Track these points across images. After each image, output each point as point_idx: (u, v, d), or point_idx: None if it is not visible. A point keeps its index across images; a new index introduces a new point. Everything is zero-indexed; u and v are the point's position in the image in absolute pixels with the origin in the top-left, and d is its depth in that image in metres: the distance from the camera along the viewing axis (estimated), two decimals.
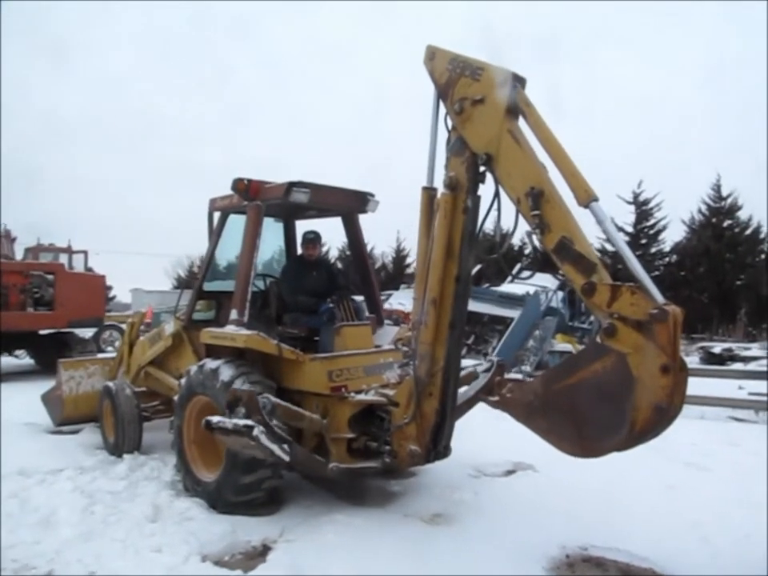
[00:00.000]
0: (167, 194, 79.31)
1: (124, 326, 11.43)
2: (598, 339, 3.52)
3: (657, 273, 29.39)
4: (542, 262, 4.26)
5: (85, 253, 18.70)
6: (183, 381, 5.48)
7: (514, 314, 16.20)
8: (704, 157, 48.78)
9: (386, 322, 6.56)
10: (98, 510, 4.95)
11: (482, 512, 5.10)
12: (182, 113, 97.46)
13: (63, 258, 17.33)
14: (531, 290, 16.60)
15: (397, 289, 23.44)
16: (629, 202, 31.88)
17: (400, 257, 40.51)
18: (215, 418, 4.51)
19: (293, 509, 5.10)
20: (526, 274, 4.53)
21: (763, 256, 29.51)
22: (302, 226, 6.89)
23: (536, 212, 3.71)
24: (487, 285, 19.23)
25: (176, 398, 5.55)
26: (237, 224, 5.87)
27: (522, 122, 3.99)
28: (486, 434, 6.96)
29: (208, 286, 6.47)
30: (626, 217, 31.53)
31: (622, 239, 3.70)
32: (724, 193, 30.70)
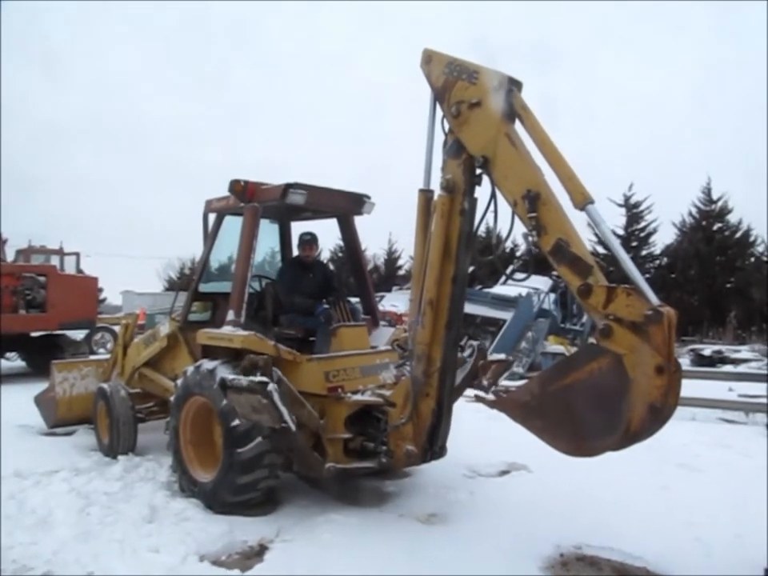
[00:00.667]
0: (159, 196, 79.15)
1: (116, 328, 11.45)
2: (594, 340, 3.57)
3: (648, 275, 29.44)
4: (535, 264, 4.29)
5: (77, 255, 18.60)
6: (180, 381, 5.49)
7: (506, 315, 16.25)
8: (695, 160, 49.17)
9: (382, 323, 6.58)
10: (94, 511, 4.95)
11: (476, 512, 5.13)
12: (177, 114, 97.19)
13: (55, 260, 17.26)
14: (524, 291, 16.66)
15: (389, 291, 23.46)
16: (620, 205, 32.03)
17: (392, 259, 40.52)
18: (230, 376, 4.61)
19: (289, 509, 5.12)
20: (521, 275, 4.60)
21: (753, 259, 29.71)
22: (297, 228, 6.92)
23: (532, 214, 3.75)
24: (480, 286, 19.30)
25: (172, 398, 5.56)
26: (233, 225, 5.89)
27: (518, 125, 4.03)
28: (480, 434, 7.01)
29: (204, 288, 6.48)
30: (617, 219, 31.69)
31: (616, 241, 3.74)
32: (714, 196, 30.92)
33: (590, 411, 3.50)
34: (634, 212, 32.07)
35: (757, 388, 10.24)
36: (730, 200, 30.40)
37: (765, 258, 28.78)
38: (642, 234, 32.22)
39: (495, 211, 4.27)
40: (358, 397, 5.12)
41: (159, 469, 6.00)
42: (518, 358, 15.53)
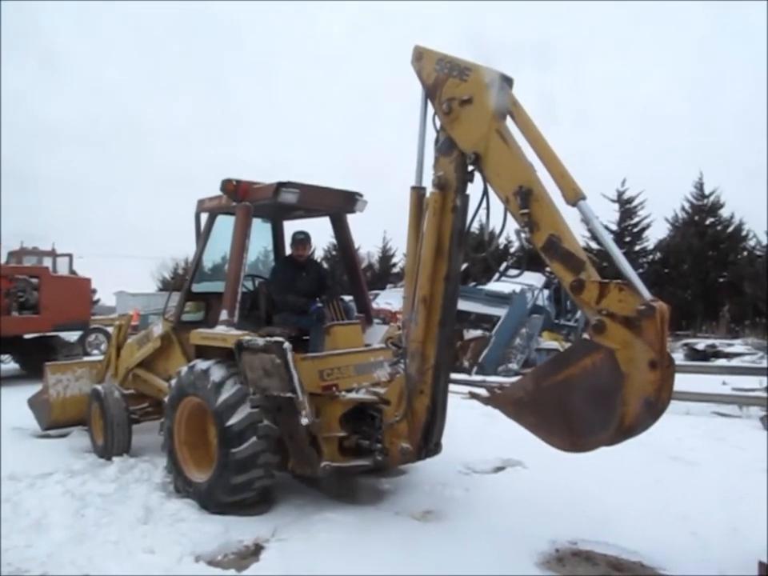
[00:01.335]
0: (153, 196, 78.90)
1: (110, 329, 11.41)
2: (587, 336, 3.57)
3: (641, 270, 29.55)
4: (528, 260, 4.30)
5: (69, 256, 18.55)
6: (174, 382, 5.47)
7: (500, 312, 16.26)
8: (688, 156, 49.35)
9: (375, 320, 6.58)
10: (89, 512, 4.94)
11: (472, 508, 5.14)
12: (171, 117, 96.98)
13: (47, 262, 17.20)
14: (517, 288, 16.67)
15: (383, 288, 23.45)
16: (613, 200, 32.11)
17: (386, 256, 40.53)
18: (246, 338, 4.74)
19: (285, 508, 5.11)
20: (514, 272, 4.60)
21: (745, 253, 29.82)
22: (290, 227, 6.91)
23: (525, 210, 3.75)
24: (474, 283, 19.31)
25: (166, 399, 5.54)
26: (225, 225, 5.88)
27: (510, 122, 4.03)
28: (475, 431, 7.01)
29: (197, 288, 6.46)
30: (610, 215, 31.77)
31: (609, 237, 3.76)
32: (706, 191, 31.03)
33: (584, 406, 3.50)
34: (627, 207, 32.16)
35: (750, 381, 10.30)
36: (722, 195, 30.56)
37: (757, 252, 28.89)
38: (635, 230, 32.33)
39: (488, 208, 4.27)
40: (353, 395, 5.13)
41: (154, 470, 5.98)
42: (513, 354, 15.58)
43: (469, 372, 13.82)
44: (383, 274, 37.48)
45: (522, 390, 3.84)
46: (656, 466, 6.16)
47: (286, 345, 4.56)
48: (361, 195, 6.13)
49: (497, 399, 4.02)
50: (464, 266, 4.90)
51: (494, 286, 18.17)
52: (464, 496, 5.42)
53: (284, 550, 4.35)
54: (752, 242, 29.78)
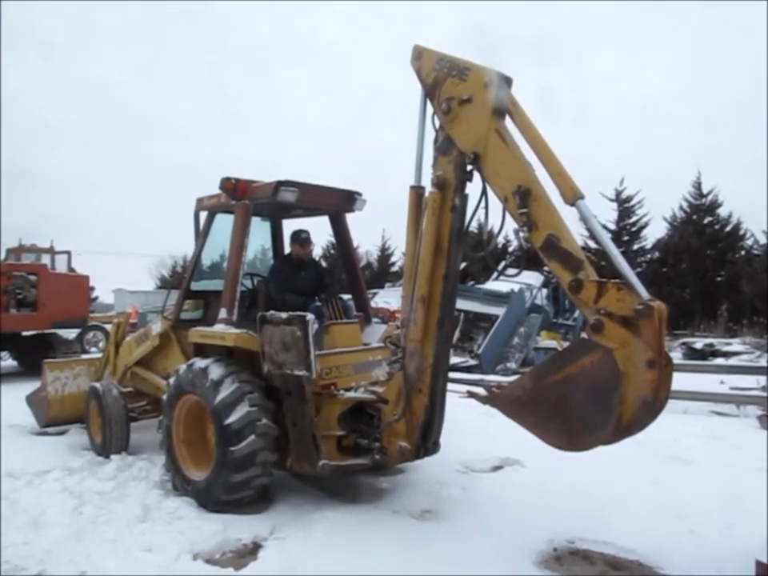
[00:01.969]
0: (151, 194, 78.80)
1: (108, 327, 11.40)
2: (585, 335, 3.58)
3: (639, 269, 29.60)
4: (526, 260, 4.30)
5: (68, 253, 18.54)
6: (172, 380, 5.47)
7: (499, 311, 16.28)
8: (687, 155, 49.43)
9: (374, 320, 6.58)
10: (87, 510, 4.93)
11: (470, 507, 5.15)
12: (170, 113, 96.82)
13: (46, 259, 17.18)
14: (516, 287, 16.69)
15: (382, 287, 23.46)
16: (611, 200, 32.15)
17: (385, 255, 40.54)
18: (270, 312, 4.82)
19: (283, 506, 5.11)
20: (513, 271, 4.61)
21: (743, 252, 29.86)
22: (289, 225, 6.91)
23: (523, 210, 3.76)
24: (472, 282, 19.34)
25: (165, 397, 5.54)
26: (224, 223, 5.87)
27: (509, 122, 4.04)
28: (473, 430, 7.02)
29: (195, 286, 6.46)
30: (609, 214, 31.80)
31: (607, 236, 3.77)
32: (704, 190, 31.05)
33: (582, 406, 3.51)
34: (625, 206, 32.20)
35: (748, 380, 10.33)
36: (719, 194, 30.59)
37: (755, 252, 28.93)
38: (634, 229, 32.38)
39: (486, 207, 4.28)
40: (351, 394, 5.13)
41: (152, 468, 5.98)
42: (511, 353, 15.60)
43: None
44: (382, 273, 37.50)
45: (520, 389, 3.85)
46: (653, 465, 6.17)
47: (309, 317, 4.61)
48: (360, 194, 6.13)
49: (495, 398, 4.03)
50: (463, 265, 4.90)
51: (492, 285, 18.20)
52: (462, 495, 5.43)
53: (282, 548, 4.35)
54: (750, 241, 29.88)
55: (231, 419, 4.80)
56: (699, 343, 18.02)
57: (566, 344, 15.18)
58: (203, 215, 6.23)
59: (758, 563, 3.62)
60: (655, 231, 32.18)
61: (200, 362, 5.19)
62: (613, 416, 3.38)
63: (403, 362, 4.61)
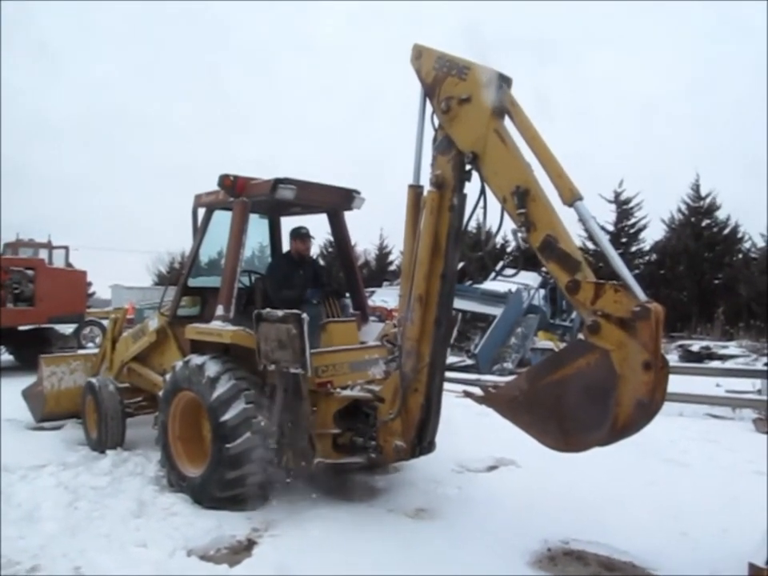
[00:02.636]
0: (149, 190, 78.72)
1: (105, 322, 11.39)
2: (582, 336, 3.58)
3: (637, 271, 29.59)
4: (524, 260, 4.30)
5: (65, 249, 18.49)
6: (169, 376, 5.47)
7: (496, 311, 16.28)
8: (686, 157, 49.45)
9: (371, 318, 6.58)
10: (81, 505, 4.93)
11: (465, 507, 5.15)
12: (169, 111, 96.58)
13: (43, 254, 17.15)
14: (513, 287, 16.69)
15: (379, 286, 23.45)
16: (610, 201, 32.15)
17: (383, 254, 40.51)
18: (266, 310, 4.88)
19: (278, 504, 5.11)
20: (510, 271, 4.60)
21: (741, 255, 29.88)
22: (287, 223, 6.90)
23: (522, 210, 3.77)
24: (470, 282, 19.33)
25: (161, 393, 5.54)
26: (222, 220, 5.87)
27: (508, 122, 4.04)
28: (469, 430, 7.02)
29: (193, 282, 6.46)
30: (607, 216, 31.81)
31: (605, 238, 3.77)
32: (702, 193, 31.06)
33: (578, 407, 3.52)
34: (624, 208, 32.19)
35: (744, 384, 10.34)
36: (718, 196, 30.59)
37: (752, 255, 28.95)
38: (632, 231, 32.36)
39: (485, 207, 4.28)
40: (348, 392, 5.13)
41: (147, 464, 5.97)
42: (508, 353, 15.61)
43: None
44: (379, 272, 37.46)
45: (516, 389, 3.85)
46: (649, 467, 6.17)
47: (304, 316, 4.64)
48: (358, 192, 6.13)
49: (491, 398, 4.03)
50: (460, 264, 4.89)
51: (489, 285, 18.20)
52: (457, 494, 5.43)
53: (277, 545, 4.35)
54: (747, 245, 29.89)
55: (227, 416, 4.80)
56: (696, 346, 18.06)
57: (562, 345, 15.19)
58: (201, 212, 6.22)
59: (752, 566, 3.62)
60: (653, 233, 32.22)
61: (196, 359, 5.19)
62: (609, 417, 3.38)
63: (400, 361, 4.61)
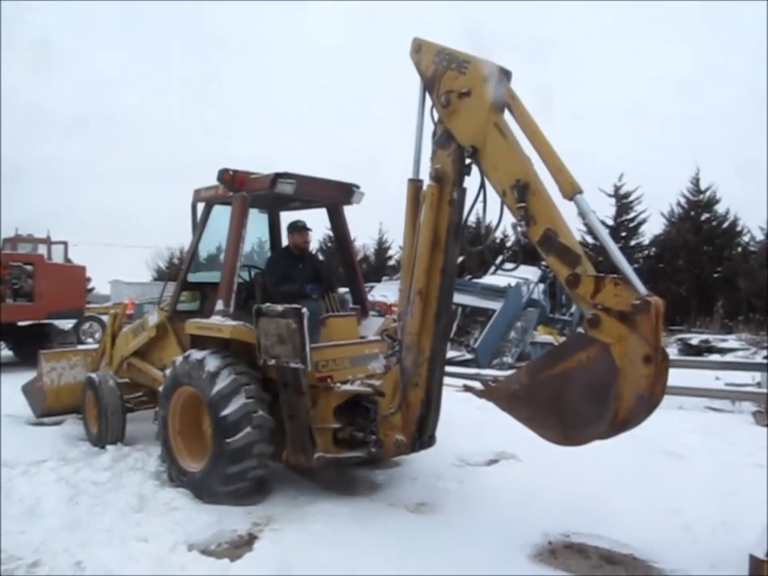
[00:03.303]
0: (148, 185, 78.36)
1: (104, 318, 11.39)
2: (582, 330, 3.58)
3: (636, 265, 29.57)
4: (524, 254, 4.30)
5: (64, 244, 18.49)
6: (168, 371, 5.47)
7: (495, 305, 16.29)
8: (685, 151, 49.41)
9: (371, 313, 6.58)
10: (82, 500, 4.95)
11: (465, 501, 5.16)
12: (165, 106, 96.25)
13: (42, 249, 17.14)
14: (513, 281, 16.70)
15: (379, 281, 23.45)
16: (610, 195, 32.12)
17: (382, 249, 40.48)
18: (265, 305, 4.87)
19: (279, 498, 5.12)
20: (510, 265, 4.58)
21: (740, 249, 29.87)
22: (286, 218, 6.89)
23: (521, 204, 3.76)
24: (469, 276, 19.32)
25: (161, 388, 5.54)
26: (222, 215, 5.86)
27: (507, 115, 4.03)
28: (469, 424, 7.02)
29: (192, 277, 6.45)
30: (607, 210, 31.77)
31: (605, 232, 3.76)
32: (702, 186, 31.02)
33: (579, 400, 3.52)
34: (623, 202, 32.15)
35: (743, 377, 10.36)
36: (717, 190, 30.55)
37: (752, 248, 28.95)
38: (632, 225, 32.31)
39: (484, 201, 4.27)
40: (348, 387, 5.13)
41: (148, 458, 5.98)
42: (507, 347, 15.62)
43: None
44: (379, 267, 37.46)
45: (516, 383, 3.85)
46: (648, 460, 6.18)
47: (304, 310, 4.64)
48: (358, 187, 6.12)
49: (491, 392, 4.03)
50: (460, 259, 4.89)
51: (489, 279, 18.20)
52: (457, 488, 5.44)
53: (277, 540, 4.36)
54: (746, 238, 29.87)
55: (227, 411, 4.81)
56: (695, 339, 18.04)
57: (562, 339, 15.20)
58: (201, 207, 6.21)
59: (752, 558, 3.63)
60: (653, 227, 32.18)
61: (196, 354, 5.18)
62: (609, 411, 3.39)
63: (400, 356, 4.61)
